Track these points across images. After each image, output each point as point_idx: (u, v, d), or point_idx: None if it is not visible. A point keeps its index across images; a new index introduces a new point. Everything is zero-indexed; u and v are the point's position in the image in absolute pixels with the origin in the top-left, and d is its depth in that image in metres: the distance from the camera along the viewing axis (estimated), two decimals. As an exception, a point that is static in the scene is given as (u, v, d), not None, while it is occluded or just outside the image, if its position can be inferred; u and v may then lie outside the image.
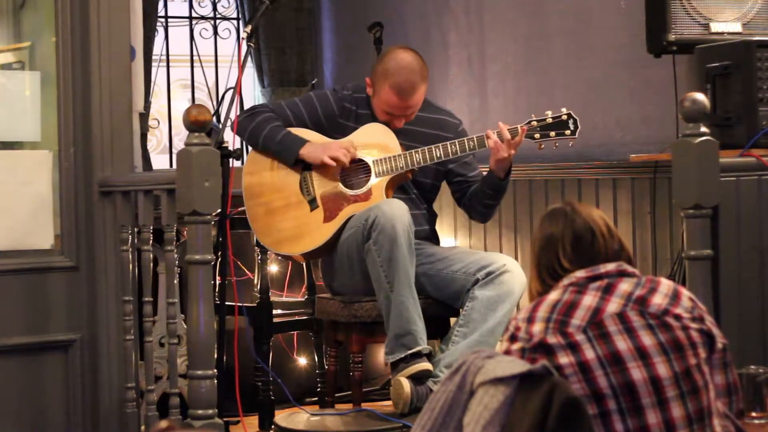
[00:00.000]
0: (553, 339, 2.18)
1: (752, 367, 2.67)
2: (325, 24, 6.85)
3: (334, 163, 3.93)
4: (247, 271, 4.72)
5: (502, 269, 3.84)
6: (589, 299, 2.23)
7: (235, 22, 6.87)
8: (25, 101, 3.94)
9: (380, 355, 4.79)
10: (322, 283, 4.21)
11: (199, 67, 6.60)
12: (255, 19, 3.98)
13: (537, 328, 2.20)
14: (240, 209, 4.04)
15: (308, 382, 4.74)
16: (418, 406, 3.67)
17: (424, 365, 3.74)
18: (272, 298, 4.43)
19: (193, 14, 6.78)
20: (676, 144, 3.17)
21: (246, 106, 4.70)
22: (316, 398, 4.58)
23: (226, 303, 3.82)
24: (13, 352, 3.67)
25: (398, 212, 3.77)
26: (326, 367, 4.22)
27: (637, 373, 2.16)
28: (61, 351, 3.74)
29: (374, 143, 4.02)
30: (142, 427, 3.71)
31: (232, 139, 3.84)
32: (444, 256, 3.97)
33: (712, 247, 3.15)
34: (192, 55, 6.64)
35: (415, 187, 4.11)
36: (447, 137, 4.01)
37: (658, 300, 2.23)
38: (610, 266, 2.28)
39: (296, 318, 4.67)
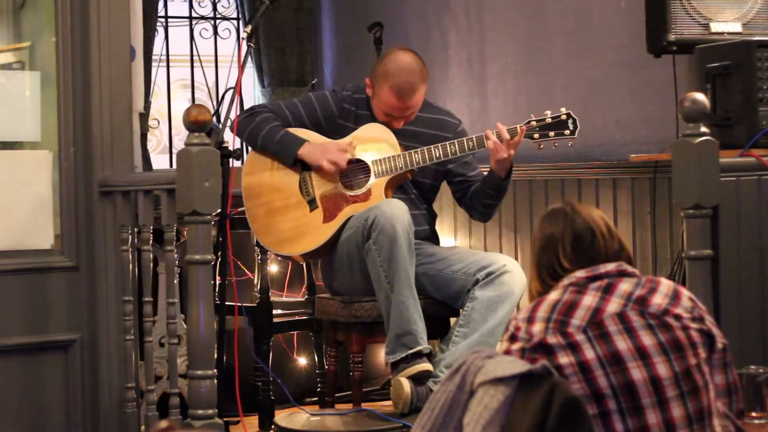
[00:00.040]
0: (553, 339, 2.18)
1: (752, 367, 2.67)
2: (325, 24, 6.85)
3: (333, 168, 3.94)
4: (247, 271, 4.72)
5: (502, 269, 3.84)
6: (589, 299, 2.23)
7: (235, 22, 6.87)
8: (25, 101, 3.94)
9: (380, 355, 4.79)
10: (322, 283, 4.21)
11: (199, 67, 6.60)
12: (255, 19, 3.98)
13: (537, 328, 2.20)
14: (240, 209, 4.04)
15: (308, 382, 4.74)
16: (418, 406, 3.67)
17: (425, 366, 3.74)
18: (272, 298, 4.43)
19: (193, 14, 6.78)
20: (676, 144, 3.17)
21: (246, 106, 4.70)
22: (316, 398, 4.58)
23: (226, 303, 3.82)
24: (13, 352, 3.67)
25: (398, 212, 3.77)
26: (326, 367, 4.22)
27: (637, 373, 2.16)
28: (61, 351, 3.74)
29: (373, 143, 4.02)
30: (142, 427, 3.71)
31: (232, 139, 3.84)
32: (444, 256, 3.97)
33: (712, 247, 3.15)
34: (192, 55, 6.64)
35: (415, 187, 4.11)
36: (446, 137, 4.01)
37: (658, 300, 2.23)
38: (610, 266, 2.28)
39: (296, 318, 4.67)
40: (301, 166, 4.02)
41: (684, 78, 4.12)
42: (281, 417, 3.97)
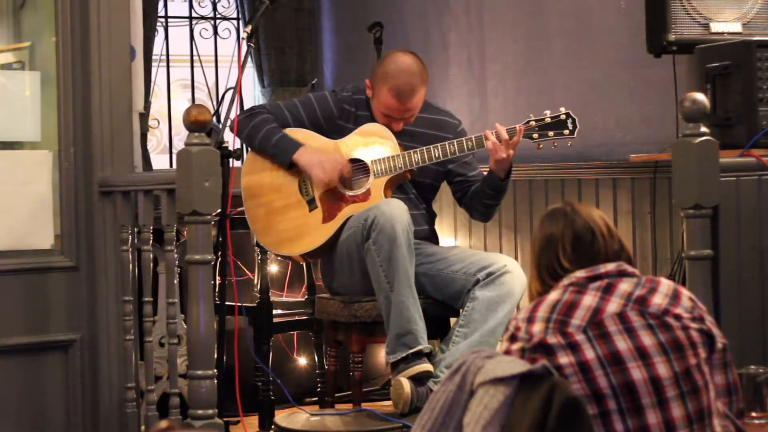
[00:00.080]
0: (553, 339, 2.18)
1: (752, 367, 2.67)
2: (325, 24, 6.85)
3: (322, 184, 3.93)
4: (247, 271, 4.72)
5: (502, 270, 3.84)
6: (589, 299, 2.23)
7: (235, 22, 6.87)
8: (25, 101, 3.94)
9: (380, 355, 4.79)
10: (322, 283, 4.21)
11: (199, 67, 6.60)
12: (255, 19, 3.98)
13: (537, 328, 2.20)
14: (240, 209, 4.04)
15: (308, 382, 4.74)
16: (418, 406, 3.67)
17: (425, 366, 3.74)
18: (272, 298, 4.43)
19: (193, 14, 6.78)
20: (676, 144, 3.17)
21: (246, 106, 4.70)
22: (316, 398, 4.58)
23: (226, 303, 3.82)
24: (13, 352, 3.67)
25: (397, 212, 3.77)
26: (326, 367, 4.22)
27: (637, 373, 2.16)
28: (61, 351, 3.74)
29: (373, 143, 4.02)
30: (142, 427, 3.71)
31: (232, 139, 3.84)
32: (444, 256, 3.97)
33: (712, 247, 3.15)
34: (192, 55, 6.64)
35: (414, 188, 4.11)
36: (446, 138, 4.01)
37: (658, 300, 2.23)
38: (610, 266, 2.28)
39: (296, 318, 4.67)
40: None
41: (684, 78, 4.12)
42: (281, 417, 3.97)
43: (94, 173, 3.76)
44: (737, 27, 3.97)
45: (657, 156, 4.10)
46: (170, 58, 6.62)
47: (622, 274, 2.28)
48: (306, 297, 4.69)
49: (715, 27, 3.95)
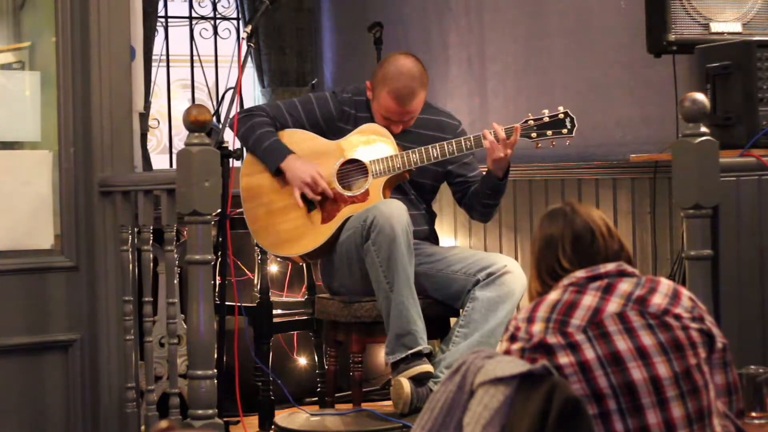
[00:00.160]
0: (553, 339, 2.18)
1: (752, 367, 2.67)
2: (325, 24, 6.85)
3: (301, 192, 3.94)
4: (247, 271, 4.72)
5: (503, 270, 3.84)
6: (588, 299, 2.23)
7: (235, 22, 6.87)
8: (25, 101, 3.94)
9: (380, 355, 4.79)
10: (321, 283, 4.21)
11: (199, 67, 6.60)
12: (255, 19, 3.98)
13: (537, 328, 2.20)
14: (239, 210, 4.04)
15: (308, 382, 4.74)
16: (418, 407, 3.67)
17: (425, 367, 3.74)
18: (272, 298, 4.43)
19: (193, 14, 6.78)
20: (676, 144, 3.17)
21: (246, 106, 4.70)
22: (316, 398, 4.58)
23: (226, 303, 3.82)
24: (13, 352, 3.67)
25: (397, 212, 3.77)
26: (326, 367, 4.22)
27: (637, 373, 2.16)
28: (61, 351, 3.74)
29: (371, 143, 4.02)
30: (142, 427, 3.71)
31: (232, 139, 3.84)
32: (444, 256, 3.97)
33: (712, 247, 3.15)
34: (192, 55, 6.64)
35: (414, 188, 4.11)
36: (446, 138, 4.01)
37: (658, 300, 2.23)
38: (610, 266, 2.28)
39: (296, 318, 4.67)
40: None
41: (684, 78, 4.12)
42: (281, 417, 3.97)
43: (94, 173, 3.76)
44: (737, 27, 3.97)
45: (657, 156, 4.10)
46: (170, 58, 6.62)
47: (621, 274, 2.28)
48: (306, 297, 4.69)
49: (715, 27, 3.95)
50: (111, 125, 3.78)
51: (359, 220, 3.85)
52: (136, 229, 3.70)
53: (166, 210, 3.49)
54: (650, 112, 4.61)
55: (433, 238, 4.17)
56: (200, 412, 3.28)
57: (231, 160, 3.72)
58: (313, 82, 6.39)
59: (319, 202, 3.99)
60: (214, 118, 4.47)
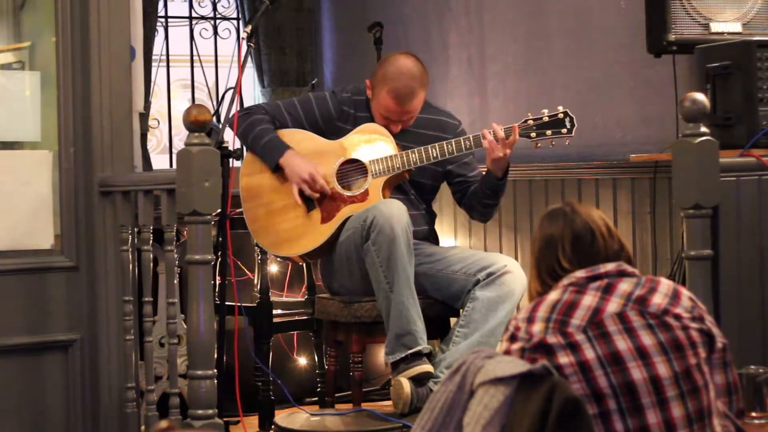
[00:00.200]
0: (553, 339, 2.18)
1: (752, 367, 2.67)
2: (325, 24, 6.85)
3: (300, 188, 3.94)
4: (247, 271, 4.72)
5: (503, 270, 3.84)
6: (588, 299, 2.23)
7: (235, 22, 6.87)
8: (25, 101, 3.94)
9: (380, 355, 4.79)
10: (321, 283, 4.21)
11: (199, 67, 6.60)
12: (255, 19, 3.98)
13: (537, 328, 2.20)
14: (239, 210, 4.04)
15: (308, 382, 4.74)
16: (418, 407, 3.67)
17: (425, 367, 3.74)
18: (272, 298, 4.43)
19: (193, 14, 6.78)
20: (676, 144, 3.17)
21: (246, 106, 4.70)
22: (316, 398, 4.58)
23: (226, 303, 3.82)
24: (13, 352, 3.67)
25: (396, 212, 3.77)
26: (326, 367, 4.22)
27: (637, 372, 2.16)
28: (61, 351, 3.74)
29: (371, 143, 4.02)
30: (142, 427, 3.71)
31: (232, 139, 3.84)
32: (443, 256, 3.97)
33: (712, 247, 3.15)
34: (192, 55, 6.64)
35: (414, 188, 4.11)
36: (446, 138, 4.01)
37: (658, 300, 2.23)
38: (610, 266, 2.28)
39: (296, 318, 4.67)
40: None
41: (684, 78, 4.12)
42: (281, 417, 3.97)
43: (94, 173, 3.76)
44: (737, 27, 3.97)
45: (657, 156, 4.10)
46: (170, 58, 6.62)
47: (621, 274, 2.28)
48: (306, 297, 4.69)
49: (715, 27, 3.95)
50: (111, 125, 3.78)
51: (359, 220, 3.85)
52: (136, 229, 3.70)
53: (166, 210, 3.49)
54: (650, 112, 4.61)
55: (433, 238, 4.17)
56: (200, 412, 3.28)
57: (231, 160, 3.72)
58: (313, 82, 6.39)
59: (319, 202, 3.99)
60: (214, 118, 4.47)
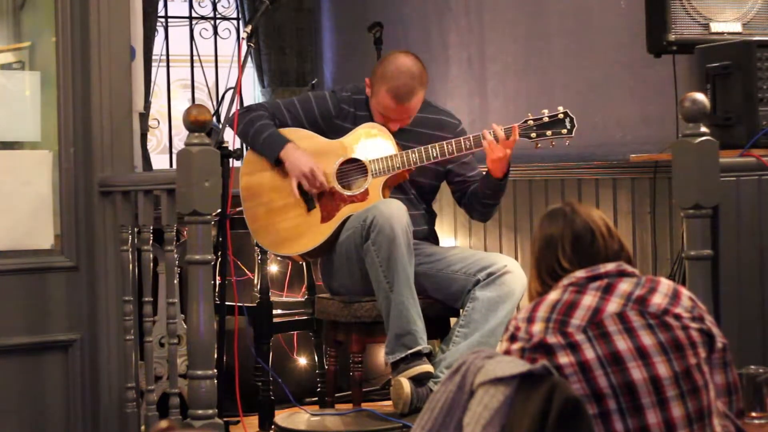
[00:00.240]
0: (552, 339, 2.18)
1: (752, 367, 2.67)
2: (325, 24, 6.85)
3: (298, 184, 3.94)
4: (247, 271, 4.72)
5: (503, 270, 3.84)
6: (588, 299, 2.23)
7: (235, 22, 6.87)
8: (25, 101, 3.94)
9: (380, 355, 4.79)
10: (322, 283, 4.21)
11: (199, 67, 6.60)
12: (255, 19, 3.99)
13: (537, 328, 2.20)
14: (239, 209, 4.04)
15: (308, 382, 4.74)
16: (418, 407, 3.67)
17: (425, 367, 3.74)
18: (272, 298, 4.43)
19: (193, 14, 6.78)
20: (676, 144, 3.17)
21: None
22: (316, 398, 4.58)
23: (226, 303, 3.81)
24: (13, 352, 3.67)
25: (396, 212, 3.77)
26: (326, 367, 4.22)
27: (637, 372, 2.16)
28: (61, 351, 3.74)
29: (371, 143, 4.02)
30: (142, 427, 3.71)
31: (232, 139, 3.84)
32: (443, 256, 3.97)
33: (712, 247, 3.15)
34: (192, 55, 6.64)
35: (414, 188, 4.11)
36: (446, 138, 4.01)
37: (658, 300, 2.23)
38: (610, 266, 2.28)
39: (296, 318, 4.67)
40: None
41: (684, 78, 4.12)
42: (281, 417, 3.97)
43: (94, 173, 3.76)
44: (737, 27, 3.97)
45: (657, 156, 4.10)
46: (170, 58, 6.62)
47: (621, 274, 2.28)
48: (306, 297, 4.69)
49: (715, 27, 3.95)
50: (111, 125, 3.78)
51: (359, 220, 3.85)
52: (136, 229, 3.70)
53: (166, 210, 3.49)
54: (650, 112, 4.61)
55: (433, 238, 4.17)
56: (200, 412, 3.28)
57: (231, 160, 3.72)
58: (313, 82, 6.39)
59: (319, 201, 3.99)
60: (214, 118, 4.47)
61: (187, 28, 6.73)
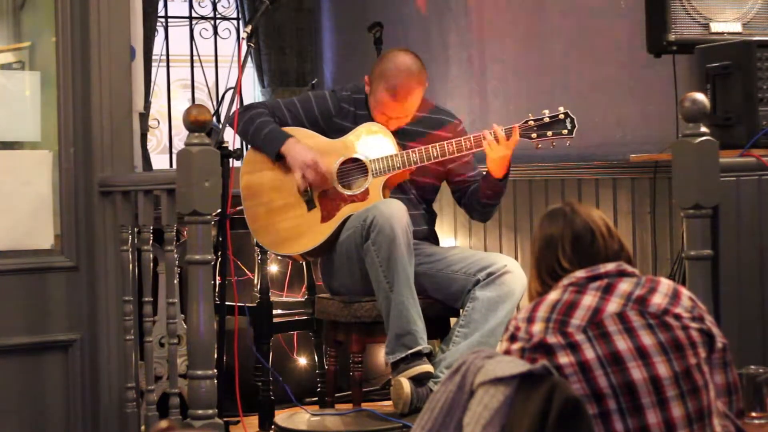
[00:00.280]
0: (552, 339, 2.18)
1: (752, 367, 2.67)
2: (325, 24, 6.85)
3: (304, 182, 3.93)
4: (247, 271, 4.72)
5: (503, 270, 3.84)
6: (588, 299, 2.23)
7: (235, 22, 6.87)
8: (25, 101, 3.94)
9: (380, 355, 4.79)
10: (322, 283, 4.21)
11: (199, 67, 6.60)
12: (255, 19, 3.99)
13: (537, 328, 2.20)
14: (239, 208, 4.04)
15: (308, 382, 4.74)
16: (418, 407, 3.67)
17: (425, 367, 3.74)
18: (272, 298, 4.43)
19: (193, 14, 6.78)
20: (676, 144, 3.17)
21: (246, 105, 4.70)
22: (316, 398, 4.58)
23: (226, 303, 3.81)
24: (13, 352, 3.67)
25: (396, 212, 3.77)
26: (326, 367, 4.22)
27: (637, 372, 2.16)
28: (61, 351, 3.74)
29: (371, 142, 4.02)
30: (142, 427, 3.71)
31: (232, 139, 3.84)
32: (443, 256, 3.97)
33: (712, 247, 3.15)
34: (192, 55, 6.64)
35: (414, 188, 4.11)
36: (447, 137, 4.01)
37: (658, 300, 2.23)
38: (610, 266, 2.28)
39: (296, 318, 4.67)
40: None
41: (684, 78, 4.12)
42: (281, 417, 3.97)
43: (94, 173, 3.76)
44: (737, 27, 3.97)
45: (657, 156, 4.10)
46: (170, 58, 6.62)
47: (621, 274, 2.28)
48: (306, 297, 4.69)
49: (715, 27, 3.95)
50: (111, 125, 3.78)
51: (359, 220, 3.85)
52: (136, 229, 3.70)
53: (166, 210, 3.49)
54: (650, 112, 4.61)
55: (433, 239, 4.17)
56: (200, 412, 3.28)
57: (231, 160, 3.72)
58: (313, 82, 6.39)
59: (319, 201, 3.99)
60: (214, 118, 4.47)
61: (187, 28, 6.73)
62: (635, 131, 4.69)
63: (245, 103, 6.16)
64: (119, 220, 3.71)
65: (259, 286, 4.40)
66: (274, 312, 4.44)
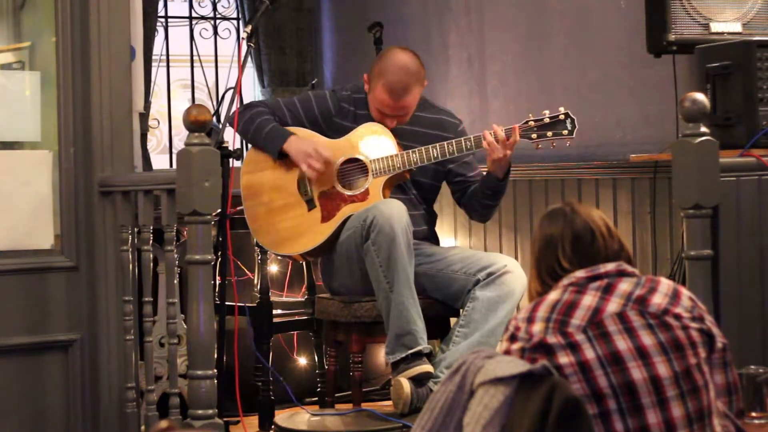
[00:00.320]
0: (553, 339, 2.18)
1: (752, 367, 2.67)
2: (325, 24, 6.85)
3: (313, 172, 3.93)
4: (247, 271, 4.72)
5: (503, 270, 3.84)
6: (588, 299, 2.23)
7: (235, 22, 6.87)
8: (25, 101, 3.94)
9: (380, 355, 4.79)
10: (322, 283, 4.21)
11: (199, 67, 6.60)
12: (255, 19, 3.99)
13: (537, 327, 2.20)
14: (239, 208, 4.04)
15: (308, 382, 4.74)
16: (418, 407, 3.67)
17: (425, 367, 3.74)
18: (272, 298, 4.43)
19: (193, 14, 6.78)
20: (676, 144, 3.17)
21: (246, 105, 4.70)
22: (316, 398, 4.58)
23: (226, 303, 3.81)
24: (13, 352, 3.67)
25: (396, 212, 3.77)
26: (326, 367, 4.22)
27: (637, 372, 2.16)
28: (61, 351, 3.74)
29: (372, 142, 4.02)
30: (142, 427, 3.71)
31: (232, 139, 3.84)
32: (443, 256, 3.97)
33: (712, 247, 3.15)
34: (192, 55, 6.64)
35: (415, 188, 4.11)
36: (447, 137, 4.01)
37: (658, 300, 2.23)
38: (610, 266, 2.28)
39: (296, 318, 4.67)
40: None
41: (684, 78, 4.12)
42: (281, 417, 3.97)
43: (94, 173, 3.76)
44: (737, 27, 3.97)
45: (657, 156, 4.10)
46: (170, 58, 6.62)
47: (621, 274, 2.28)
48: (306, 297, 4.69)
49: (715, 27, 3.95)
50: (111, 125, 3.78)
51: (359, 220, 3.85)
52: (136, 229, 3.70)
53: (166, 210, 3.49)
54: (650, 112, 4.61)
55: (433, 239, 4.17)
56: (200, 412, 3.28)
57: (231, 160, 3.72)
58: (313, 82, 6.39)
59: (319, 201, 3.99)
60: (214, 118, 4.47)
61: (187, 28, 6.73)
62: (635, 131, 4.69)
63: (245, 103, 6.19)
64: (119, 220, 3.71)
65: (259, 286, 4.40)
66: (274, 312, 4.44)
